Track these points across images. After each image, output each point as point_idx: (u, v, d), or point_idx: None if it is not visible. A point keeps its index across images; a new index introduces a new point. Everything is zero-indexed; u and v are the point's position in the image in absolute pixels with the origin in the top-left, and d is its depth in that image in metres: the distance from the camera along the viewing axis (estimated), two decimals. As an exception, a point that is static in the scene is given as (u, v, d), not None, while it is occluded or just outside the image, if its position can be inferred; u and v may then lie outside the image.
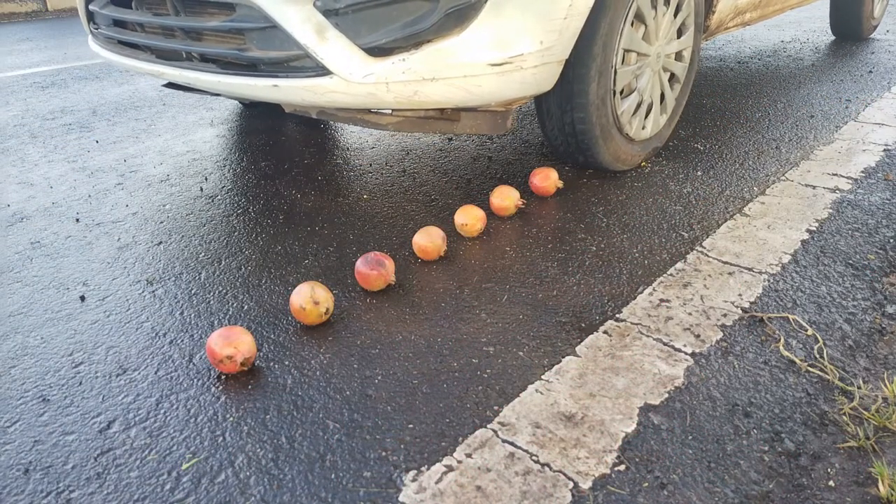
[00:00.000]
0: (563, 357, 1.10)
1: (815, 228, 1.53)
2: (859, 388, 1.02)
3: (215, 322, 1.24)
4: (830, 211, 1.62)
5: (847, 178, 1.82)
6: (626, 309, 1.23)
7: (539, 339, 1.16)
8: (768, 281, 1.31)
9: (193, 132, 2.48)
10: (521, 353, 1.12)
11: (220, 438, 0.96)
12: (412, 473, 0.88)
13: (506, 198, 1.61)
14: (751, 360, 1.09)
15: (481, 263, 1.42)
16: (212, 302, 1.31)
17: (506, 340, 1.15)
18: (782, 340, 1.13)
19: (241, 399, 1.03)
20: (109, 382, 1.09)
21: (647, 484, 0.86)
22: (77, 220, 1.73)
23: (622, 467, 0.88)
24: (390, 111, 1.55)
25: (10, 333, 1.23)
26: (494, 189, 1.64)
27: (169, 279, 1.41)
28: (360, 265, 1.30)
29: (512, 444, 0.92)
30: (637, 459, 0.89)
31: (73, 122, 2.69)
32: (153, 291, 1.36)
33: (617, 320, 1.20)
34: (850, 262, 1.38)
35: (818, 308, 1.22)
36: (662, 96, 1.94)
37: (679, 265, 1.38)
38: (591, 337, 1.15)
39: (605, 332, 1.16)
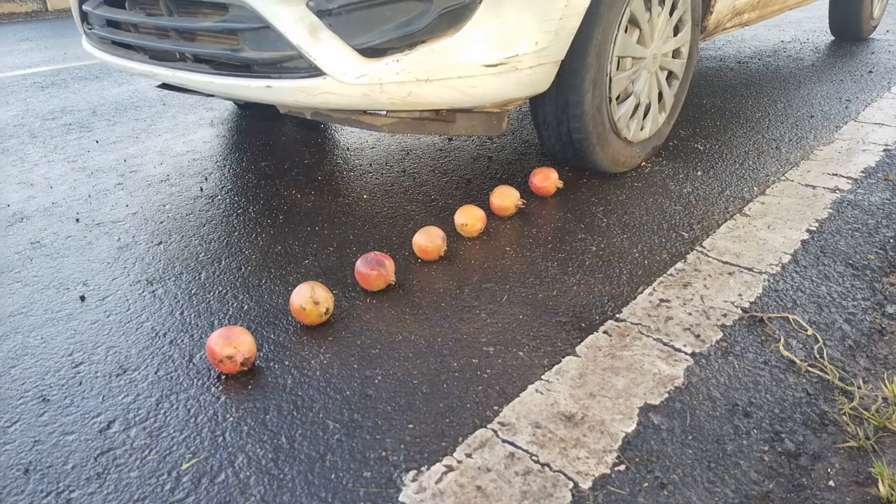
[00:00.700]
0: (563, 357, 1.10)
1: (815, 228, 1.53)
2: (859, 388, 1.02)
3: (215, 322, 1.24)
4: (830, 211, 1.62)
5: (847, 178, 1.82)
6: (626, 309, 1.23)
7: (539, 339, 1.16)
8: (768, 281, 1.31)
9: (193, 132, 2.48)
10: (521, 353, 1.12)
11: (220, 438, 0.96)
12: (412, 473, 0.88)
13: (506, 198, 1.61)
14: (751, 360, 1.09)
15: (481, 263, 1.42)
16: (212, 302, 1.31)
17: (506, 340, 1.15)
18: (782, 340, 1.13)
19: (241, 399, 1.03)
20: (109, 382, 1.09)
21: (647, 484, 0.86)
22: (77, 220, 1.73)
23: (622, 467, 0.88)
24: (385, 112, 1.55)
25: (10, 333, 1.23)
26: (494, 189, 1.64)
27: (169, 279, 1.41)
28: (360, 265, 1.30)
29: (512, 444, 0.92)
30: (637, 459, 0.89)
31: (73, 122, 2.69)
32: (153, 291, 1.36)
33: (617, 320, 1.20)
34: (850, 262, 1.38)
35: (818, 308, 1.22)
36: (661, 95, 1.93)
37: (679, 265, 1.38)
38: (591, 337, 1.15)
39: (605, 332, 1.16)
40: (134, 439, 0.96)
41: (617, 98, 1.75)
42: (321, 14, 1.28)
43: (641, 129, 1.88)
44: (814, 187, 1.76)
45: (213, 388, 1.06)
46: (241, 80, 1.43)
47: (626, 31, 1.67)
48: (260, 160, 2.12)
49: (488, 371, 1.08)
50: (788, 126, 2.30)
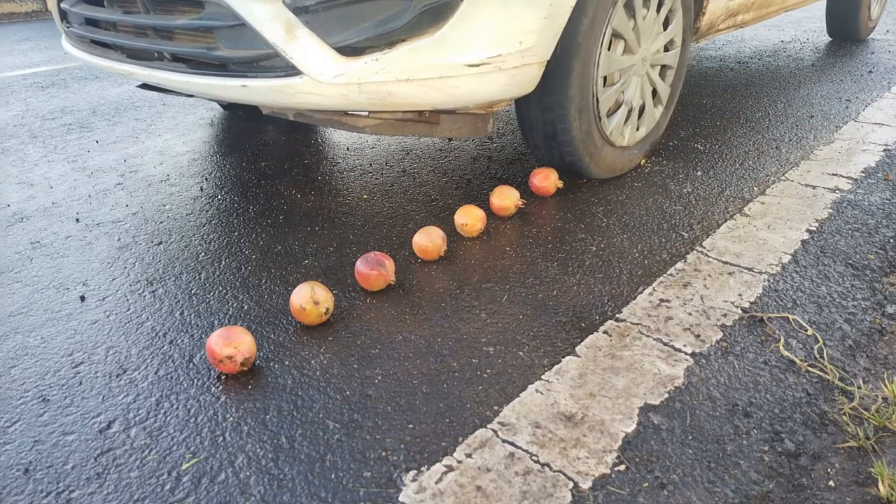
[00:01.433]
0: (563, 357, 1.10)
1: (815, 228, 1.53)
2: (859, 388, 1.02)
3: (215, 322, 1.24)
4: (830, 211, 1.62)
5: (847, 178, 1.82)
6: (626, 309, 1.23)
7: (539, 339, 1.16)
8: (768, 281, 1.31)
9: (193, 132, 2.48)
10: (521, 353, 1.12)
11: (220, 438, 0.96)
12: (412, 473, 0.88)
13: (506, 198, 1.61)
14: (751, 360, 1.09)
15: (481, 263, 1.42)
16: (212, 302, 1.31)
17: (506, 340, 1.15)
18: (782, 340, 1.13)
19: (241, 399, 1.03)
20: (109, 382, 1.09)
21: (647, 484, 0.86)
22: (77, 220, 1.73)
23: (622, 467, 0.88)
24: (367, 113, 1.52)
25: (10, 333, 1.23)
26: (494, 189, 1.64)
27: (169, 279, 1.41)
28: (360, 265, 1.30)
29: (512, 444, 0.92)
30: (637, 459, 0.89)
31: (73, 122, 2.69)
32: (153, 291, 1.36)
33: (617, 320, 1.20)
34: (850, 262, 1.38)
35: (818, 308, 1.22)
36: (655, 91, 1.91)
37: (679, 265, 1.38)
38: (591, 337, 1.15)
39: (605, 332, 1.16)
40: (134, 439, 0.96)
41: (608, 113, 1.73)
42: (298, 11, 1.25)
43: (638, 129, 1.87)
44: (814, 187, 1.76)
45: (213, 388, 1.06)
46: (216, 79, 1.40)
47: (609, 49, 1.64)
48: (260, 160, 2.12)
49: (488, 371, 1.08)
50: (788, 126, 2.30)
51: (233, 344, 1.06)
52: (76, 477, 0.90)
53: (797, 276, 1.33)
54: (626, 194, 1.76)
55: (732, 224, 1.57)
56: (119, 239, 1.61)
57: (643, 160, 1.96)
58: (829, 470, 0.87)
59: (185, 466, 0.91)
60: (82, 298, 1.34)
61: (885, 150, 2.02)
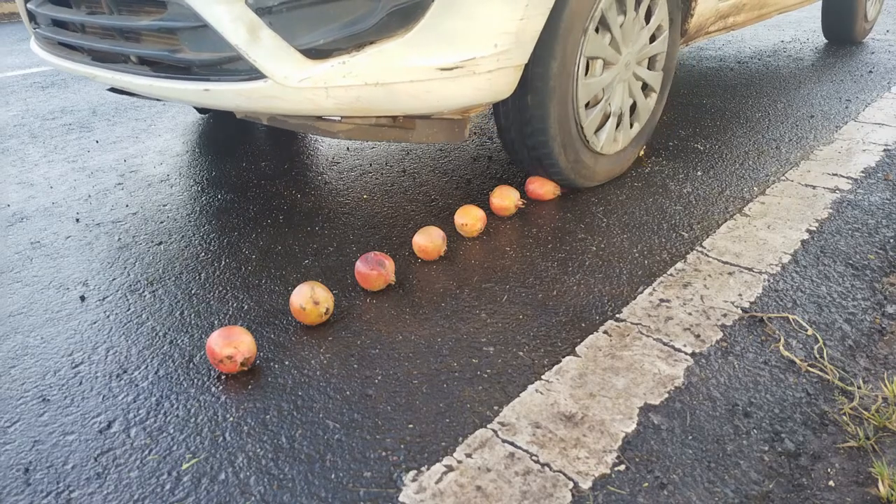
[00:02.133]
0: (563, 357, 1.10)
1: (815, 228, 1.53)
2: (859, 388, 1.02)
3: (215, 322, 1.24)
4: (830, 211, 1.62)
5: (847, 178, 1.82)
6: (626, 309, 1.23)
7: (539, 338, 1.16)
8: (768, 281, 1.31)
9: (193, 132, 2.48)
10: (521, 353, 1.12)
11: (220, 438, 0.96)
12: (412, 473, 0.88)
13: (506, 198, 1.61)
14: (751, 360, 1.09)
15: (481, 263, 1.42)
16: (212, 302, 1.31)
17: (506, 340, 1.15)
18: (782, 340, 1.13)
19: (241, 399, 1.03)
20: (109, 382, 1.09)
21: (647, 484, 0.86)
22: (77, 220, 1.73)
23: (622, 467, 0.88)
24: (340, 118, 1.47)
25: (10, 333, 1.23)
26: (494, 189, 1.64)
27: (169, 279, 1.41)
28: (360, 265, 1.30)
29: (512, 444, 0.92)
30: (637, 459, 0.89)
31: (73, 122, 2.69)
32: (153, 291, 1.36)
33: (617, 320, 1.20)
34: (850, 262, 1.38)
35: (818, 308, 1.22)
36: (644, 83, 1.84)
37: (679, 265, 1.38)
38: (591, 337, 1.15)
39: (605, 332, 1.16)
40: (134, 439, 0.96)
41: (596, 130, 1.71)
42: (261, 12, 1.20)
43: (630, 126, 1.83)
44: (814, 187, 1.76)
45: (213, 388, 1.06)
46: (179, 82, 1.35)
47: (585, 75, 1.59)
48: (260, 160, 2.12)
49: (488, 371, 1.08)
50: (788, 126, 2.30)
51: (233, 344, 1.06)
52: (76, 477, 0.90)
53: (797, 276, 1.33)
54: (626, 194, 1.76)
55: (732, 224, 1.57)
56: (119, 239, 1.61)
57: (641, 153, 1.95)
58: (829, 470, 0.87)
59: (185, 466, 0.91)
60: (82, 298, 1.34)
61: (885, 150, 2.02)
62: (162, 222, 1.70)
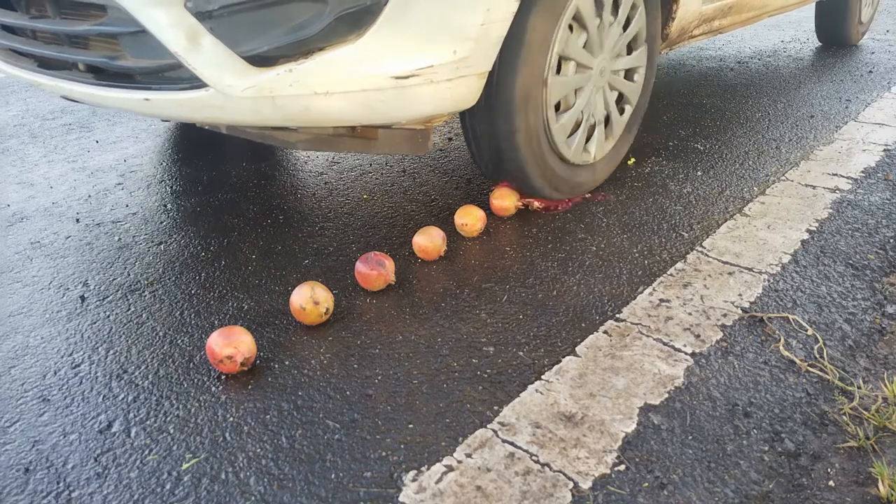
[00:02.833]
0: (563, 357, 1.10)
1: (815, 228, 1.53)
2: (859, 388, 1.02)
3: (215, 322, 1.24)
4: (830, 211, 1.62)
5: (847, 178, 1.82)
6: (626, 309, 1.23)
7: (539, 338, 1.16)
8: (768, 281, 1.31)
9: (193, 132, 2.48)
10: (520, 353, 1.12)
11: (220, 438, 0.96)
12: (412, 473, 0.88)
13: (506, 198, 1.61)
14: (751, 360, 1.09)
15: (481, 263, 1.42)
16: (212, 302, 1.31)
17: (506, 340, 1.15)
18: (782, 340, 1.13)
19: (241, 399, 1.03)
20: (109, 382, 1.09)
21: (647, 484, 0.86)
22: (77, 220, 1.73)
23: (622, 467, 0.88)
24: (297, 128, 1.40)
25: (10, 333, 1.23)
26: (494, 189, 1.64)
27: (169, 279, 1.41)
28: (360, 265, 1.30)
29: (512, 444, 0.92)
30: (637, 459, 0.89)
31: (73, 122, 2.69)
32: (153, 291, 1.36)
33: (617, 320, 1.20)
34: (850, 262, 1.38)
35: (818, 308, 1.22)
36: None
37: (679, 265, 1.39)
38: (591, 337, 1.15)
39: (605, 332, 1.16)
40: (134, 439, 0.96)
41: (582, 149, 1.67)
42: (201, 16, 1.13)
43: (620, 123, 1.79)
44: (814, 187, 1.76)
45: (213, 388, 1.06)
46: (119, 91, 1.29)
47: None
48: (260, 160, 2.12)
49: (488, 371, 1.08)
50: (788, 126, 2.30)
51: (233, 344, 1.06)
52: (76, 477, 0.90)
53: (797, 276, 1.33)
54: (626, 194, 1.76)
55: (732, 224, 1.57)
56: (119, 239, 1.61)
57: (631, 160, 1.95)
58: (829, 470, 0.87)
59: (185, 466, 0.91)
60: (82, 298, 1.34)
61: (885, 150, 2.02)
62: (162, 222, 1.70)
